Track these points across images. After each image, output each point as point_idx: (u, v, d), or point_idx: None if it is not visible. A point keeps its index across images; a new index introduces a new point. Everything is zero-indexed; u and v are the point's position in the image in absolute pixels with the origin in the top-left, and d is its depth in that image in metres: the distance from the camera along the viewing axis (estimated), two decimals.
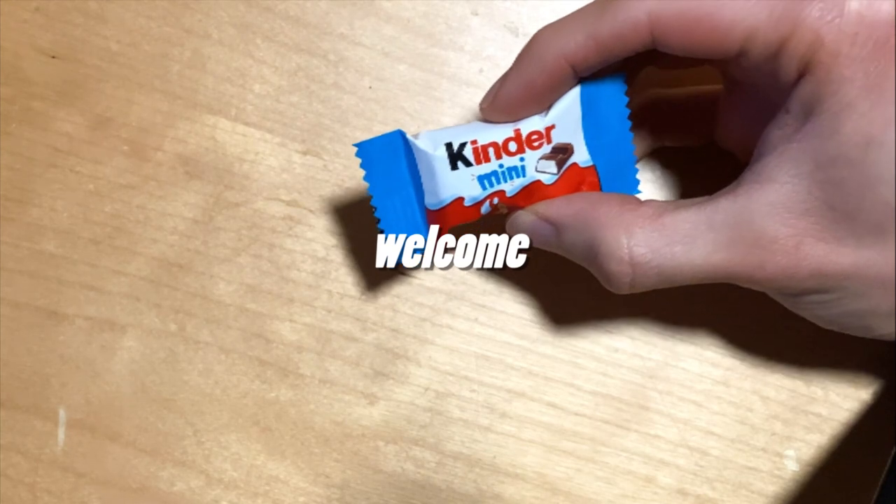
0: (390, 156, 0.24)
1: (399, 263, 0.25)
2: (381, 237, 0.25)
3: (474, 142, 0.24)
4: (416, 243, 0.25)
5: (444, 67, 0.30)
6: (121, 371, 0.30)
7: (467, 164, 0.24)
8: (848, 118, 0.20)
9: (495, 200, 0.25)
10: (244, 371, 0.30)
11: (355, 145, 0.24)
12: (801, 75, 0.21)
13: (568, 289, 0.30)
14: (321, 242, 0.30)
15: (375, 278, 0.30)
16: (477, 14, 0.30)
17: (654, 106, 0.28)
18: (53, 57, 0.30)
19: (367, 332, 0.30)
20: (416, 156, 0.24)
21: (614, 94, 0.24)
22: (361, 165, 0.24)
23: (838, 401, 0.29)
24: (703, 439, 0.29)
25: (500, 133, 0.24)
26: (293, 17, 0.30)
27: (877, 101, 0.20)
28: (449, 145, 0.24)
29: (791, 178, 0.21)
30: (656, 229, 0.22)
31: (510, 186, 0.24)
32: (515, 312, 0.30)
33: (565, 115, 0.24)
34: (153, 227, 0.30)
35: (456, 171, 0.24)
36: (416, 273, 0.30)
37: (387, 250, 0.25)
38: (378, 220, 0.25)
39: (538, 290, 0.30)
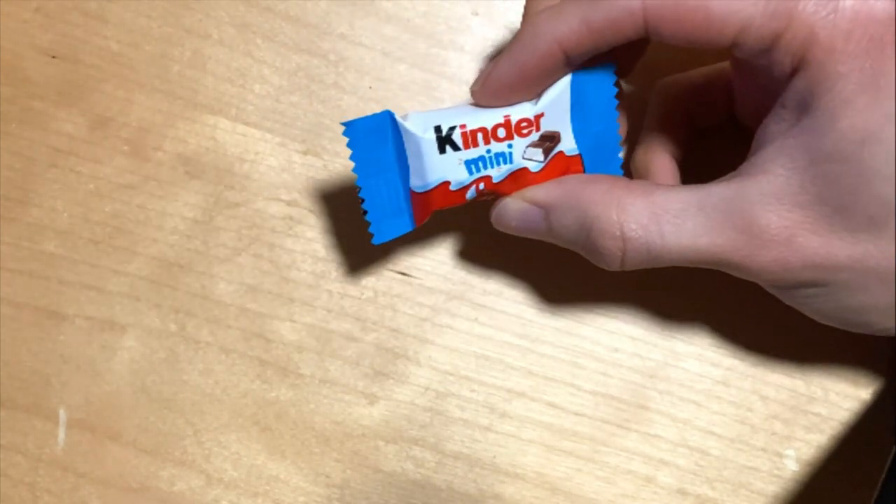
0: (377, 136, 0.24)
1: (380, 243, 0.25)
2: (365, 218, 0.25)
3: (463, 126, 0.24)
4: (398, 226, 0.25)
5: (444, 67, 0.30)
6: (121, 371, 0.30)
7: (455, 148, 0.24)
8: (844, 114, 0.20)
9: (481, 186, 0.24)
10: (244, 371, 0.30)
11: (343, 124, 0.23)
12: (796, 70, 0.21)
13: (568, 289, 0.30)
14: (321, 242, 0.30)
15: (375, 278, 0.30)
16: (477, 14, 0.30)
17: (674, 93, 0.28)
18: (54, 57, 0.30)
19: (367, 332, 0.30)
20: (404, 137, 0.24)
21: (604, 85, 0.24)
22: (348, 145, 0.24)
23: (838, 401, 0.29)
24: (702, 439, 0.29)
25: (490, 118, 0.24)
26: (293, 17, 0.30)
27: (873, 98, 0.20)
28: (438, 128, 0.23)
29: (785, 171, 0.21)
30: (647, 206, 0.22)
31: (497, 172, 0.24)
32: (515, 312, 0.30)
33: (555, 103, 0.24)
34: (153, 227, 0.30)
35: (444, 155, 0.24)
36: (416, 273, 0.30)
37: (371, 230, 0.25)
38: (362, 201, 0.25)
39: (538, 290, 0.30)
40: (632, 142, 0.30)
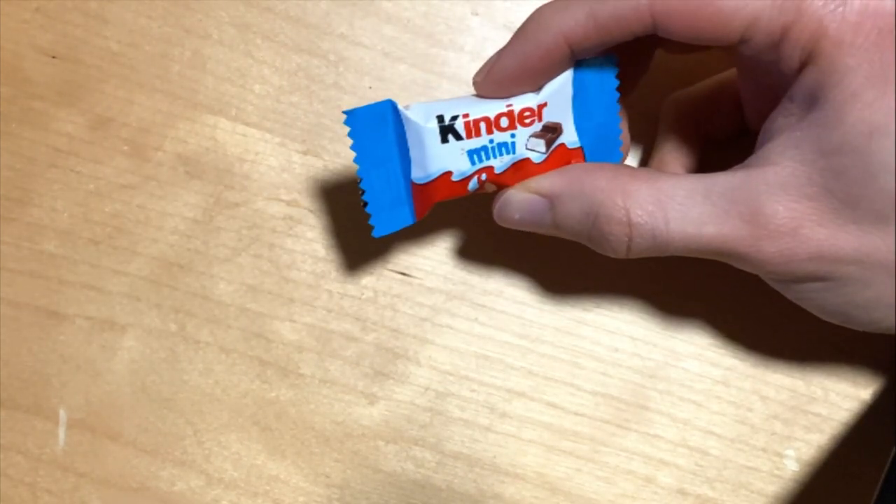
0: (378, 126, 0.24)
1: (380, 236, 0.25)
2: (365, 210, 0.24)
3: (466, 115, 0.23)
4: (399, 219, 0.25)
5: (444, 67, 0.30)
6: (121, 371, 0.30)
7: (458, 137, 0.23)
8: (852, 108, 0.20)
9: (483, 177, 0.24)
10: (244, 371, 0.30)
11: (344, 112, 0.23)
12: (805, 64, 0.21)
13: (568, 288, 0.30)
14: (321, 242, 0.30)
15: (375, 278, 0.30)
16: (477, 14, 0.30)
17: (684, 107, 0.28)
18: (54, 57, 0.30)
19: (367, 332, 0.30)
20: (406, 127, 0.24)
21: (605, 77, 0.24)
22: (350, 134, 0.24)
23: (838, 401, 0.29)
24: (702, 439, 0.29)
25: (493, 108, 0.24)
26: (293, 18, 0.30)
27: (882, 91, 0.20)
28: (440, 118, 0.23)
29: (793, 163, 0.21)
30: (652, 193, 0.22)
31: (499, 163, 0.24)
32: (515, 312, 0.30)
33: (557, 94, 0.24)
34: (153, 227, 0.30)
35: (446, 145, 0.23)
36: (416, 273, 0.30)
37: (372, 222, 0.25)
38: (362, 192, 0.24)
39: (538, 290, 0.30)
40: (644, 157, 0.30)
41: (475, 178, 0.24)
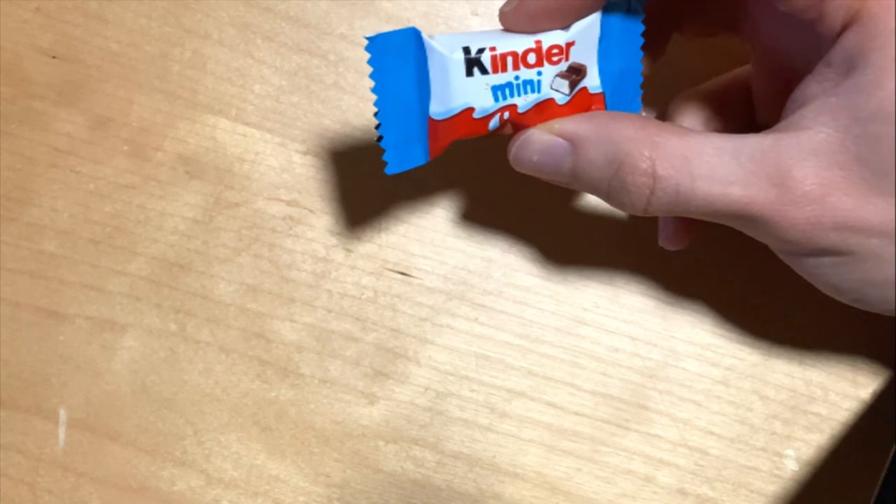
0: (400, 55, 0.22)
1: (393, 174, 0.23)
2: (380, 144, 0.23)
3: (493, 49, 0.22)
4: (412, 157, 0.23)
5: None
6: (121, 371, 0.30)
7: (483, 71, 0.22)
8: (893, 73, 0.19)
9: (505, 115, 0.23)
10: (244, 371, 0.30)
11: (367, 38, 0.22)
12: (847, 26, 0.20)
13: (568, 288, 0.30)
14: (321, 242, 0.30)
15: (375, 278, 0.30)
16: (477, 14, 0.30)
17: (693, 104, 0.27)
18: (54, 57, 0.30)
19: (367, 332, 0.30)
20: (428, 58, 0.22)
21: (632, 24, 0.23)
22: (369, 61, 0.22)
23: (838, 401, 0.29)
24: (702, 439, 0.29)
25: (520, 43, 0.22)
26: (293, 18, 0.30)
27: None
28: (467, 49, 0.22)
29: (826, 129, 0.20)
30: (680, 147, 0.21)
31: (523, 101, 0.23)
32: (515, 312, 0.30)
33: (585, 34, 0.23)
34: (153, 227, 0.30)
35: (470, 78, 0.22)
36: (416, 273, 0.30)
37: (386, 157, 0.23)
38: (378, 125, 0.23)
39: (538, 290, 0.30)
40: None
41: (497, 117, 0.23)
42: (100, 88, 0.30)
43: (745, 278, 0.30)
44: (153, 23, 0.30)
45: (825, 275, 0.22)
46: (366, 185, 0.30)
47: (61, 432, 0.30)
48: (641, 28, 0.23)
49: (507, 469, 0.30)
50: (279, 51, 0.30)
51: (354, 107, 0.30)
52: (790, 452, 0.29)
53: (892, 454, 0.26)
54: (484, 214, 0.30)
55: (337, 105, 0.30)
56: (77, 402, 0.30)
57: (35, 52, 0.30)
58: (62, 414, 0.30)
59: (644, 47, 0.24)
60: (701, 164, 0.21)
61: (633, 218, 0.30)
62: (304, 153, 0.30)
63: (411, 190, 0.30)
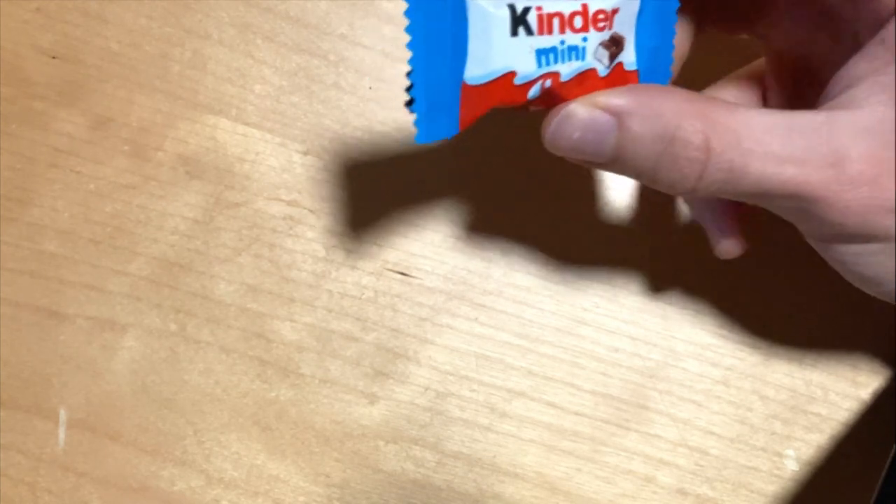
0: (437, 10, 0.20)
1: (422, 143, 0.21)
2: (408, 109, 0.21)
3: (539, 8, 0.20)
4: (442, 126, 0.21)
5: None
6: (121, 371, 0.30)
7: (529, 31, 0.20)
8: None
9: (547, 83, 0.21)
10: (244, 371, 0.30)
11: None
12: None
13: (569, 288, 0.30)
14: (321, 242, 0.30)
15: (375, 278, 0.30)
16: None
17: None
18: (54, 57, 0.30)
19: (367, 332, 0.30)
20: (469, 14, 0.20)
21: (669, 0, 0.22)
22: (406, 13, 0.19)
23: (838, 401, 0.29)
24: (702, 439, 0.29)
25: (566, 4, 0.21)
26: (293, 18, 0.30)
27: None
28: (512, 6, 0.20)
29: (882, 108, 0.19)
30: (732, 121, 0.20)
31: (567, 69, 0.21)
32: (515, 312, 0.30)
33: (628, 3, 0.22)
34: (154, 227, 0.30)
35: (515, 39, 0.20)
36: (416, 273, 0.30)
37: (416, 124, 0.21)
38: (410, 86, 0.20)
39: (538, 290, 0.30)
40: None
41: (539, 84, 0.21)
42: (100, 88, 0.30)
43: (745, 278, 0.30)
44: (153, 23, 0.30)
45: (864, 263, 0.21)
46: (366, 185, 0.30)
47: (61, 432, 0.30)
48: (677, 4, 0.22)
49: (507, 469, 0.30)
50: (279, 51, 0.30)
51: (354, 107, 0.30)
52: (790, 452, 0.29)
53: (892, 454, 0.26)
54: (484, 214, 0.30)
55: (337, 105, 0.30)
56: (77, 402, 0.30)
57: (35, 53, 0.30)
58: (62, 414, 0.30)
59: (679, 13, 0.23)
60: (754, 140, 0.19)
61: (633, 218, 0.30)
62: (305, 153, 0.30)
63: (412, 190, 0.30)
